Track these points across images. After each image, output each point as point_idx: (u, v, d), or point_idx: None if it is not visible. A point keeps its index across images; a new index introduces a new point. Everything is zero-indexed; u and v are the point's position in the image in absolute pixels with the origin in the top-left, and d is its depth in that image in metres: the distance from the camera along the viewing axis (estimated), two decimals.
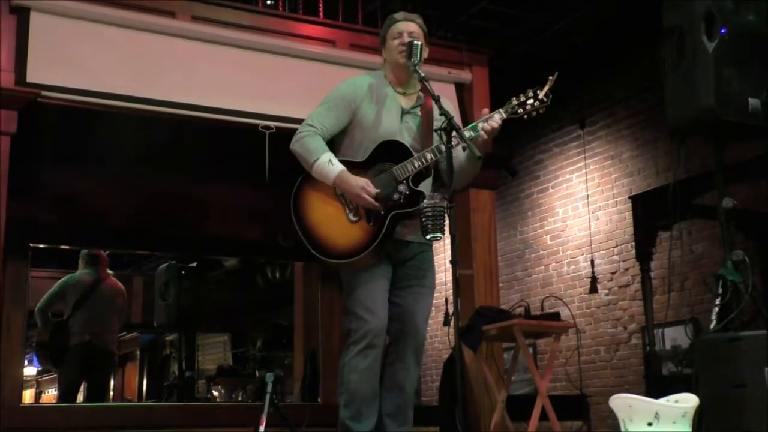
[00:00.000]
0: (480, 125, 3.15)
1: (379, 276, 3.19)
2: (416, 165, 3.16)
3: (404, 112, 3.30)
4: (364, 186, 3.12)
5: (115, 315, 6.63)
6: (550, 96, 3.16)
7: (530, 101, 3.16)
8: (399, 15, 3.39)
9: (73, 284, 6.43)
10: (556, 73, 3.17)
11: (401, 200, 3.16)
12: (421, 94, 3.35)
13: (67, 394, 6.36)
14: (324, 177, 3.17)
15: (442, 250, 8.55)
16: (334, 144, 3.30)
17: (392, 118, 3.27)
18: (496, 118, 3.14)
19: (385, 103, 3.28)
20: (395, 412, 3.24)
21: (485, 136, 3.13)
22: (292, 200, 3.22)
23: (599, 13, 6.70)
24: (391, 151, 3.20)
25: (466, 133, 3.08)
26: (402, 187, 3.16)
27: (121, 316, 6.83)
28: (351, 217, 3.17)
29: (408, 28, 3.31)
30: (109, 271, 6.65)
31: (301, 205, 3.22)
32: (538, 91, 3.17)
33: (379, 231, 3.13)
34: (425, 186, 3.23)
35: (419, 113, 3.31)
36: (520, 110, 3.17)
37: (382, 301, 3.19)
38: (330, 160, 3.17)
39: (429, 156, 3.15)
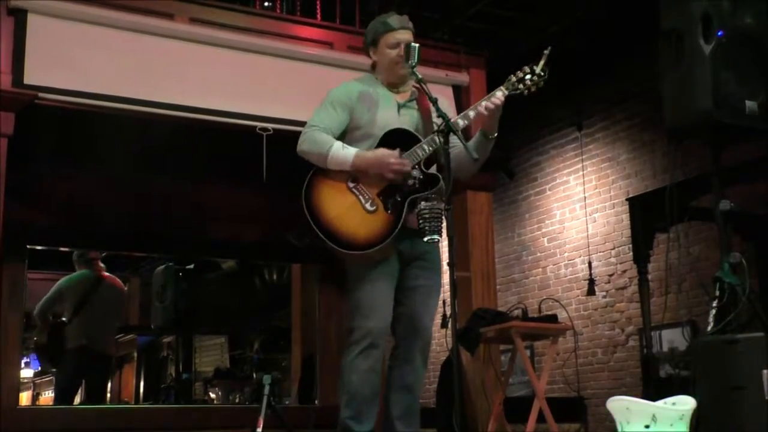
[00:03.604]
0: (484, 103, 3.18)
1: (387, 274, 3.19)
2: (426, 149, 3.18)
3: (401, 107, 3.32)
4: (385, 152, 3.13)
5: (113, 316, 6.62)
6: (547, 70, 3.22)
7: (528, 76, 3.22)
8: (394, 21, 3.34)
9: (72, 286, 6.37)
10: (549, 47, 3.23)
11: (416, 185, 3.17)
12: (414, 89, 3.36)
13: (63, 396, 6.34)
14: (341, 163, 3.15)
15: (440, 252, 8.55)
16: None
17: (391, 114, 3.28)
18: (499, 95, 3.19)
19: (380, 102, 3.30)
20: (404, 413, 3.23)
21: (485, 113, 3.17)
22: (305, 199, 3.16)
23: (597, 16, 6.71)
24: (397, 140, 3.20)
25: (459, 122, 3.15)
26: (415, 172, 3.17)
27: (119, 315, 6.81)
28: (368, 207, 3.15)
29: (405, 37, 3.29)
30: (101, 265, 6.54)
31: (314, 202, 3.16)
32: (534, 67, 3.23)
33: (398, 218, 3.14)
34: (435, 171, 3.23)
35: (415, 106, 3.33)
36: (521, 86, 3.21)
37: (387, 301, 3.19)
38: (343, 146, 3.18)
39: (438, 139, 3.13)
